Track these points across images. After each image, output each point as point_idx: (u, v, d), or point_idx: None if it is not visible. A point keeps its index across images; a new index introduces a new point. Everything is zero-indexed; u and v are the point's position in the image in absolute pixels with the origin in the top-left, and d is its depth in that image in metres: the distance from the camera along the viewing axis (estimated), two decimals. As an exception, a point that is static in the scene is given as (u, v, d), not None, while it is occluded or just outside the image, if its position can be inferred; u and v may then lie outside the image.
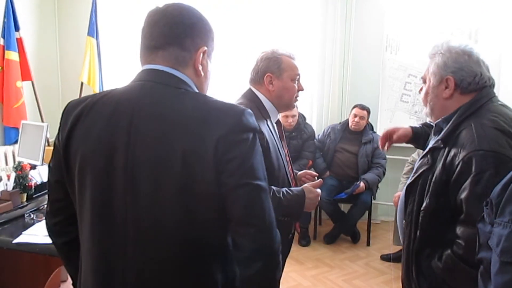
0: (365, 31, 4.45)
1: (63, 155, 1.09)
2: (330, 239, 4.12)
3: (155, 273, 1.03)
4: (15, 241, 2.00)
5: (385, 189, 4.24)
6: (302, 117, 4.26)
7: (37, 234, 2.06)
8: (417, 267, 1.50)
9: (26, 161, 2.73)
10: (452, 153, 1.39)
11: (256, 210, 1.01)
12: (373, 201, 4.15)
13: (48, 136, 3.07)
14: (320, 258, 3.79)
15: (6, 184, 2.45)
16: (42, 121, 4.29)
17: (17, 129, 3.84)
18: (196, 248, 1.03)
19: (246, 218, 1.01)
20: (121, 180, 1.01)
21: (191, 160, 0.97)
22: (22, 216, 2.30)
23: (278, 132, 1.88)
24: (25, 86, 4.26)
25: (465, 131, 1.38)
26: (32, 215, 2.29)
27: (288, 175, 1.80)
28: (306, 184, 1.76)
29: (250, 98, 1.79)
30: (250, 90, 1.83)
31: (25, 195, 2.50)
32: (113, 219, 1.03)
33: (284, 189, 1.65)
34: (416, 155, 3.49)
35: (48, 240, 1.97)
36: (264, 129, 1.67)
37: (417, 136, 1.91)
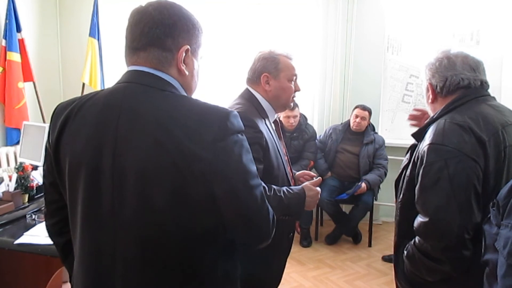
0: (366, 31, 4.45)
1: (53, 158, 1.10)
2: (332, 240, 4.12)
3: (142, 276, 1.03)
4: (17, 242, 2.00)
5: (386, 190, 4.23)
6: (303, 117, 4.26)
7: (39, 235, 2.06)
8: (396, 259, 1.58)
9: (27, 162, 2.74)
10: (419, 148, 1.47)
11: (253, 210, 1.03)
12: (374, 202, 4.15)
13: (49, 137, 3.07)
14: (322, 259, 3.79)
15: (8, 185, 2.45)
16: (44, 122, 4.30)
17: (19, 130, 3.85)
18: (186, 253, 1.03)
19: (245, 217, 1.03)
20: (108, 183, 1.01)
21: (179, 165, 0.95)
22: (24, 217, 2.30)
23: (277, 131, 1.88)
24: (26, 87, 4.27)
25: (431, 127, 1.45)
26: (33, 216, 2.29)
27: (288, 175, 1.81)
28: (306, 183, 1.76)
29: (248, 98, 1.78)
30: (247, 90, 1.83)
31: (26, 196, 2.50)
32: (102, 222, 1.03)
33: (284, 188, 1.66)
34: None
35: (50, 241, 1.97)
36: (263, 128, 1.67)
37: None
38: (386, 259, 3.75)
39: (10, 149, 4.08)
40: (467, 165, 1.32)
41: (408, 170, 1.51)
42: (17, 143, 3.82)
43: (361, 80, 4.51)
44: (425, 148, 1.39)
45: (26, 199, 2.50)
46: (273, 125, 1.85)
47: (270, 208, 1.08)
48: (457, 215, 1.30)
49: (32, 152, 3.13)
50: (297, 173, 1.99)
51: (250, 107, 1.72)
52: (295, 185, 1.86)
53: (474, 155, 1.33)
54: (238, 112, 1.05)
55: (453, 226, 1.30)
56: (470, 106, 1.45)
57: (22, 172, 2.52)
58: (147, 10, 1.05)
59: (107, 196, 1.01)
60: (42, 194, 2.61)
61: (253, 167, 1.05)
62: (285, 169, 1.78)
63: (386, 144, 4.12)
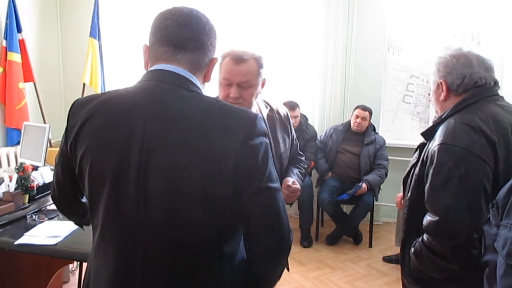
0: (367, 32, 4.45)
1: (72, 154, 1.09)
2: (332, 240, 4.11)
3: (166, 276, 1.04)
4: (17, 242, 2.00)
5: (387, 190, 4.23)
6: (304, 117, 4.26)
7: (39, 235, 2.06)
8: (402, 256, 1.60)
9: (28, 162, 2.74)
10: (428, 147, 1.48)
11: (277, 212, 1.05)
12: (375, 202, 4.14)
13: (50, 137, 3.07)
14: (322, 260, 3.79)
15: (8, 185, 2.45)
16: (44, 122, 4.30)
17: (19, 130, 3.85)
18: (207, 253, 1.05)
19: (269, 220, 1.04)
20: (134, 182, 1.01)
21: (208, 164, 0.97)
22: (24, 217, 2.30)
23: (281, 126, 1.87)
24: (27, 88, 4.27)
25: (441, 127, 1.46)
26: (34, 216, 2.29)
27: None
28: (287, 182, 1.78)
29: None
30: None
31: (27, 196, 2.50)
32: (127, 222, 1.03)
33: None
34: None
35: (50, 241, 1.98)
36: None
37: None
38: (386, 259, 3.75)
39: (11, 150, 4.08)
40: (477, 166, 1.34)
41: (417, 169, 1.51)
42: (18, 143, 3.82)
43: (361, 80, 4.51)
44: (436, 148, 1.40)
45: (27, 200, 2.50)
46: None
47: (286, 212, 1.09)
48: (466, 215, 1.31)
49: (32, 152, 3.13)
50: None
51: None
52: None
53: (484, 155, 1.34)
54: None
55: (462, 226, 1.31)
56: (479, 106, 1.46)
57: (22, 172, 2.52)
58: (197, 15, 1.08)
59: (132, 195, 1.01)
60: (42, 194, 2.61)
61: (275, 171, 1.07)
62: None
63: (387, 145, 4.12)
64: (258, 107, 1.84)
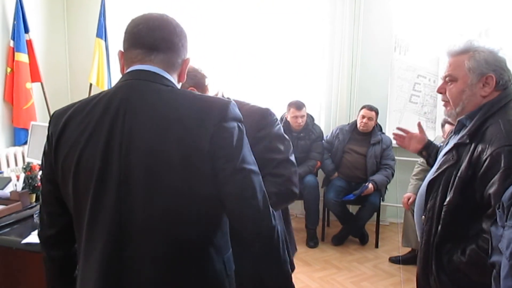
0: (373, 31, 4.43)
1: (54, 160, 1.11)
2: (338, 241, 4.10)
3: (149, 271, 1.05)
4: (24, 241, 2.01)
5: (393, 191, 4.21)
6: (310, 117, 4.25)
7: (46, 234, 2.07)
8: (437, 261, 1.49)
9: (35, 162, 2.75)
10: (479, 148, 1.39)
11: (253, 193, 1.06)
12: (381, 203, 4.12)
13: (57, 137, 3.08)
14: (328, 260, 3.77)
15: (16, 185, 2.46)
16: (51, 122, 4.31)
17: (27, 130, 3.87)
18: (187, 244, 1.06)
19: (245, 201, 1.05)
20: (116, 175, 1.03)
21: (188, 152, 1.01)
22: (31, 216, 2.31)
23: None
24: (34, 88, 4.29)
25: (492, 127, 1.39)
26: (41, 216, 2.29)
27: None
28: None
29: None
30: None
31: (34, 196, 2.51)
32: (111, 216, 1.04)
33: None
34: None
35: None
36: None
37: (429, 144, 1.92)
38: (393, 260, 3.73)
39: (18, 149, 4.11)
40: None
41: (461, 172, 1.42)
42: (25, 143, 3.84)
43: (368, 80, 4.49)
44: (500, 151, 1.32)
45: (34, 199, 2.51)
46: None
47: (266, 194, 1.10)
48: None
49: (39, 152, 3.11)
50: None
51: None
52: None
53: None
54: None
55: None
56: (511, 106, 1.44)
57: (29, 172, 2.53)
58: (167, 19, 1.14)
59: (115, 188, 1.03)
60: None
61: (252, 157, 1.10)
62: None
63: (393, 145, 4.09)
64: None
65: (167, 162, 1.01)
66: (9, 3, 4.13)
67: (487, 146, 1.36)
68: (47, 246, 1.23)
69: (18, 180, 2.47)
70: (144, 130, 1.03)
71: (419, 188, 1.72)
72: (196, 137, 1.01)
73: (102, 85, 4.57)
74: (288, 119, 4.12)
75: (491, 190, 1.33)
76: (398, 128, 1.98)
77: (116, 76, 4.74)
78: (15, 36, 4.11)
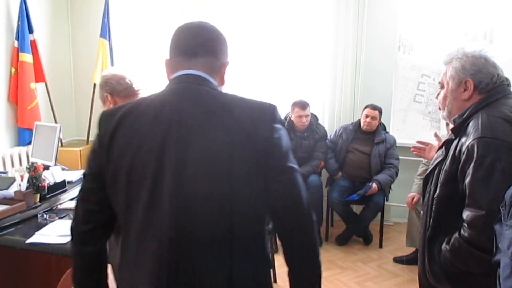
0: (377, 30, 4.41)
1: (106, 159, 1.14)
2: (342, 241, 4.09)
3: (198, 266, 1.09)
4: (28, 241, 2.02)
5: (398, 190, 4.20)
6: (314, 117, 4.24)
7: (50, 234, 2.08)
8: (430, 253, 1.56)
9: (39, 162, 2.76)
10: (461, 142, 1.47)
11: (299, 190, 1.14)
12: (385, 203, 4.11)
13: (61, 137, 3.09)
14: (332, 260, 3.77)
15: (20, 185, 2.47)
16: (56, 122, 4.33)
17: (31, 130, 3.88)
18: (240, 238, 1.11)
19: (292, 196, 1.13)
20: (172, 173, 1.08)
21: (242, 151, 1.08)
22: (35, 216, 2.32)
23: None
24: (38, 88, 4.30)
25: (472, 121, 1.46)
26: (45, 216, 2.30)
27: None
28: None
29: None
30: None
31: (38, 196, 2.52)
32: (167, 214, 1.08)
33: None
34: (429, 156, 3.45)
35: (61, 240, 1.99)
36: None
37: None
38: (397, 260, 3.72)
39: (22, 149, 4.13)
40: None
41: (446, 165, 1.51)
42: (29, 143, 3.85)
43: (372, 79, 4.47)
44: (474, 142, 1.39)
45: (38, 199, 2.52)
46: None
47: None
48: None
49: (43, 152, 3.16)
50: None
51: None
52: None
53: None
54: None
55: None
56: (502, 102, 1.48)
57: (33, 172, 2.53)
58: (205, 26, 1.23)
59: (168, 192, 1.07)
60: (53, 194, 2.63)
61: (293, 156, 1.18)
62: None
63: (397, 144, 4.09)
64: None
65: (222, 161, 1.08)
66: (13, 3, 4.14)
67: (466, 139, 1.44)
68: (80, 241, 1.24)
69: (22, 180, 2.48)
70: (199, 132, 1.09)
71: None
72: (251, 138, 1.09)
73: (106, 85, 4.57)
74: (292, 118, 4.11)
75: (466, 181, 1.41)
76: (419, 142, 2.06)
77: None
78: (19, 36, 4.12)
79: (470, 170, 1.39)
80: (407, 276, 3.43)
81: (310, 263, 1.21)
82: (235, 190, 1.09)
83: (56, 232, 2.09)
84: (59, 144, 3.16)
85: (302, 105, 4.03)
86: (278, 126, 1.13)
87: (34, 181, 2.51)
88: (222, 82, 1.24)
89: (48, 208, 2.43)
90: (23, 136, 4.24)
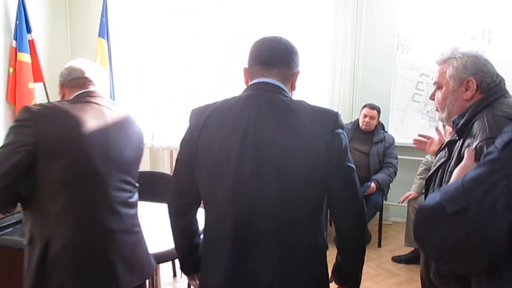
0: (376, 30, 4.42)
1: (196, 148, 1.36)
2: (341, 240, 4.08)
3: (269, 250, 1.33)
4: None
5: (396, 190, 4.20)
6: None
7: (48, 234, 2.07)
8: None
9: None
10: (466, 143, 1.45)
11: (354, 186, 1.38)
12: (384, 202, 4.11)
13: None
14: (331, 259, 3.72)
15: (18, 185, 2.45)
16: (54, 122, 4.32)
17: (29, 130, 3.87)
18: (299, 224, 1.35)
19: (349, 191, 1.37)
20: (249, 167, 1.29)
21: (308, 151, 1.28)
22: (34, 216, 2.31)
23: None
24: (37, 88, 4.29)
25: (477, 122, 1.44)
26: (43, 216, 2.29)
27: None
28: None
29: None
30: None
31: (36, 196, 2.50)
32: (245, 200, 1.30)
33: None
34: (430, 156, 3.45)
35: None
36: None
37: None
38: (396, 259, 3.72)
39: (21, 149, 4.10)
40: None
41: (451, 166, 1.49)
42: (28, 143, 3.84)
43: (370, 79, 4.48)
44: (482, 144, 1.37)
45: (36, 199, 2.50)
46: None
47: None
48: None
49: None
50: None
51: None
52: None
53: None
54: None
55: None
56: (501, 101, 1.48)
57: (32, 172, 2.52)
58: (281, 40, 1.44)
59: (247, 181, 1.29)
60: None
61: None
62: None
63: (396, 144, 4.09)
64: None
65: (291, 158, 1.27)
66: (11, 3, 4.14)
67: (472, 140, 1.42)
68: (175, 214, 1.51)
69: (20, 180, 2.46)
70: (273, 131, 1.29)
71: (423, 188, 1.75)
72: (316, 140, 1.28)
73: (104, 85, 4.56)
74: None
75: None
76: (420, 135, 2.07)
77: (118, 76, 4.75)
78: (17, 36, 4.12)
79: None
80: (406, 276, 3.43)
81: (358, 246, 1.48)
82: (300, 187, 1.29)
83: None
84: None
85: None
86: (340, 130, 1.34)
87: (33, 181, 2.50)
88: (293, 88, 1.45)
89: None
90: (21, 136, 4.22)
